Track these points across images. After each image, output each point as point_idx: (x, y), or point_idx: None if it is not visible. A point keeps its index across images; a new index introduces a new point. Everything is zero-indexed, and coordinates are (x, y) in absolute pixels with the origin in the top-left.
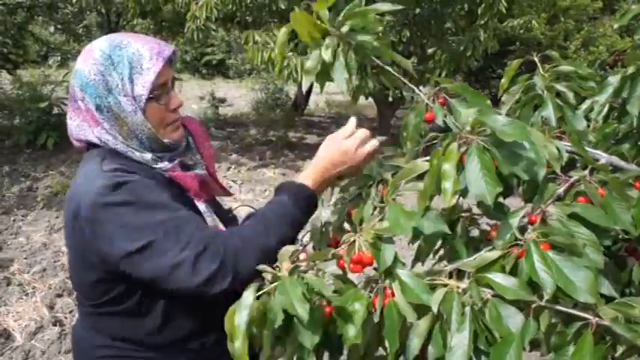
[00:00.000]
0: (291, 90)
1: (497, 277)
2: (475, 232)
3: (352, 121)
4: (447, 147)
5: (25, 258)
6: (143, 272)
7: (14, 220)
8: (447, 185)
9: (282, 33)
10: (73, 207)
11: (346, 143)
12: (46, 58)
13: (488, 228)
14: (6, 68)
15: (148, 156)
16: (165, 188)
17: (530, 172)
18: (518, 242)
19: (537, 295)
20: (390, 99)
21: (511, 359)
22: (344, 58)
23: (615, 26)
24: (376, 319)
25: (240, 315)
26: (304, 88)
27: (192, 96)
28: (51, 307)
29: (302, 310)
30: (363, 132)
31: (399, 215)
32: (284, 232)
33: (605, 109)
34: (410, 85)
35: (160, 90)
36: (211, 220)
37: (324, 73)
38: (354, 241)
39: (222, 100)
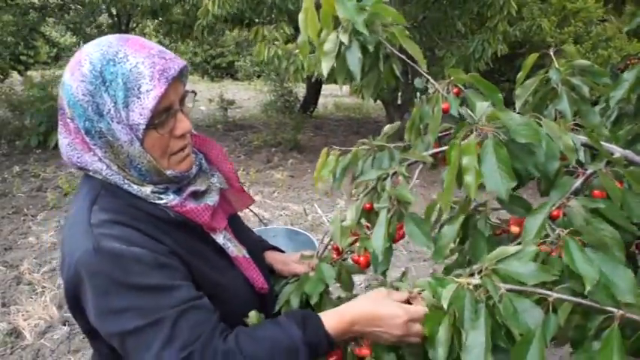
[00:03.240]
0: (300, 92)
1: (514, 266)
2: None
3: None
4: (464, 139)
5: (35, 258)
6: (127, 349)
7: (24, 220)
8: (469, 179)
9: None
10: (62, 259)
11: (398, 310)
12: (56, 59)
13: (498, 222)
14: (17, 69)
15: (148, 190)
16: (171, 230)
17: (542, 168)
18: (547, 240)
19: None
20: (399, 102)
21: (533, 359)
22: (358, 42)
23: (625, 30)
24: None
25: None
26: (324, 72)
27: (201, 98)
28: (60, 307)
29: None
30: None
31: (416, 227)
32: None
33: (615, 113)
34: (423, 72)
35: (164, 116)
36: (233, 250)
37: (343, 66)
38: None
39: (231, 102)
